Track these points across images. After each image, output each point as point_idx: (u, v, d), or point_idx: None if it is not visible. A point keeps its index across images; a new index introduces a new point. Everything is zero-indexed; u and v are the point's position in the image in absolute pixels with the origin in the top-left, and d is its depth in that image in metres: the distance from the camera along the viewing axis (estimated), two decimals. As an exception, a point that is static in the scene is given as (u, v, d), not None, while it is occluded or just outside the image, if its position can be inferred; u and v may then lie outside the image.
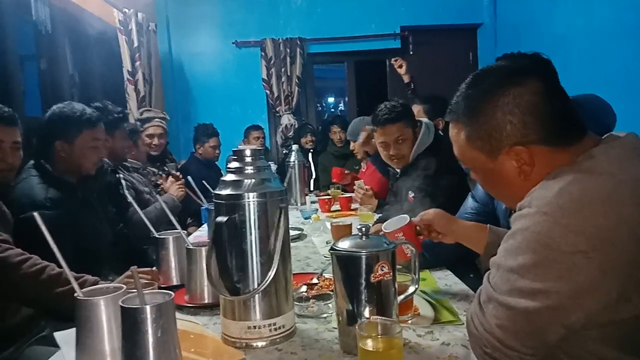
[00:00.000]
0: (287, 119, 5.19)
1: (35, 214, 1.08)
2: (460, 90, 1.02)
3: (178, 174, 3.18)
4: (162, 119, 3.63)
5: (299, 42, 5.15)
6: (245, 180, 1.14)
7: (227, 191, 1.13)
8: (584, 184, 0.84)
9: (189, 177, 2.44)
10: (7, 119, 1.72)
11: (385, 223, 1.46)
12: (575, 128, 0.94)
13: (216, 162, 4.26)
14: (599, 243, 0.78)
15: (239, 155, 1.17)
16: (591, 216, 0.80)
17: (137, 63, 4.05)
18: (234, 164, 1.17)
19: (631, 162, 0.87)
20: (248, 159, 1.16)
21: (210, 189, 2.87)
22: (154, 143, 3.53)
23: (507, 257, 0.86)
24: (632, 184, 0.82)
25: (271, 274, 1.10)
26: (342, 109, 9.85)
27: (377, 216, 2.61)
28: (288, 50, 5.14)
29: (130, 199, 2.71)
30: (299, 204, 3.29)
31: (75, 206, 2.02)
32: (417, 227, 1.41)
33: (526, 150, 0.93)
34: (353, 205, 3.11)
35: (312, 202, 3.31)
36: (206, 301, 1.41)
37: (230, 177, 1.16)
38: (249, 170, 1.15)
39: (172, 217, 1.82)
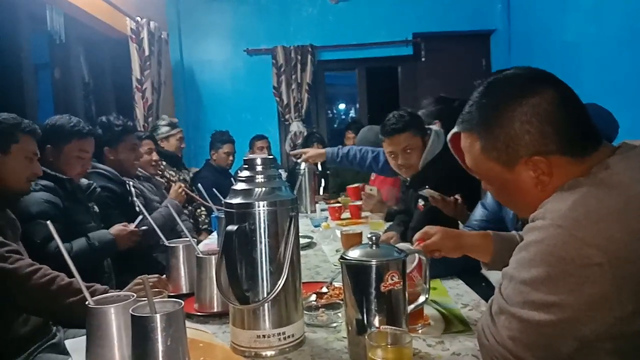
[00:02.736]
0: (296, 126, 5.21)
1: (49, 222, 1.09)
2: (472, 100, 1.00)
3: (179, 184, 3.26)
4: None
5: (309, 50, 5.16)
6: (256, 189, 1.14)
7: (237, 200, 1.13)
8: (599, 196, 0.83)
9: (199, 185, 2.45)
10: (33, 131, 1.81)
11: None
12: (592, 137, 0.93)
13: (229, 171, 4.31)
14: (613, 256, 0.77)
15: (249, 164, 1.18)
16: (606, 229, 0.79)
17: (147, 72, 4.08)
18: (245, 173, 1.17)
19: None
20: (259, 168, 1.17)
21: (221, 196, 2.93)
22: (182, 146, 3.84)
23: (520, 270, 0.85)
24: None
25: (281, 282, 1.10)
26: (353, 115, 9.85)
27: (387, 224, 2.60)
28: (299, 58, 5.16)
29: (139, 205, 2.75)
30: (308, 212, 3.29)
31: (73, 205, 2.14)
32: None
33: (545, 161, 0.91)
34: (363, 214, 3.10)
35: (322, 210, 3.30)
36: (215, 310, 1.40)
37: (240, 185, 1.16)
38: (260, 179, 1.16)
39: (180, 222, 1.85)
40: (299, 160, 3.10)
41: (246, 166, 1.18)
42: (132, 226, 2.28)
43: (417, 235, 1.31)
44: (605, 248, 0.77)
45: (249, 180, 1.16)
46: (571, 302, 0.78)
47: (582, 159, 0.91)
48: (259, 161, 1.17)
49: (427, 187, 2.04)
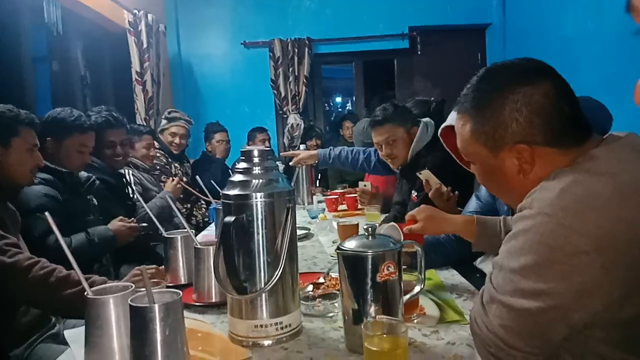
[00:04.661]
0: (293, 119, 5.21)
1: (47, 214, 1.10)
2: (471, 83, 1.03)
3: (178, 178, 3.32)
4: (187, 122, 3.83)
5: (307, 43, 5.15)
6: (253, 181, 1.15)
7: (235, 191, 1.14)
8: (586, 184, 0.84)
9: (197, 177, 2.47)
10: (31, 122, 1.80)
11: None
12: (582, 130, 0.95)
13: (226, 162, 4.33)
14: (601, 244, 0.78)
15: (246, 156, 1.19)
16: (593, 217, 0.80)
17: (146, 64, 4.07)
18: (242, 165, 1.18)
19: (632, 162, 0.87)
20: (256, 160, 1.18)
21: (219, 188, 2.96)
22: (175, 142, 3.74)
23: (510, 258, 0.86)
24: (633, 184, 0.83)
25: (278, 273, 1.11)
26: (350, 108, 9.86)
27: (383, 216, 2.62)
28: (296, 51, 5.15)
29: (136, 193, 2.78)
30: (306, 204, 3.31)
31: (72, 198, 2.14)
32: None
33: (528, 149, 0.93)
34: (360, 205, 3.11)
35: (319, 202, 3.32)
36: (213, 300, 1.42)
37: (238, 177, 1.17)
38: (257, 170, 1.17)
39: (177, 212, 1.86)
40: (290, 163, 3.12)
41: (243, 158, 1.20)
42: (132, 221, 2.29)
43: (407, 216, 1.41)
44: (594, 236, 0.79)
45: (246, 171, 1.17)
46: (560, 289, 0.80)
47: (569, 150, 0.93)
48: (256, 153, 1.18)
49: (427, 168, 2.05)
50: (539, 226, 0.83)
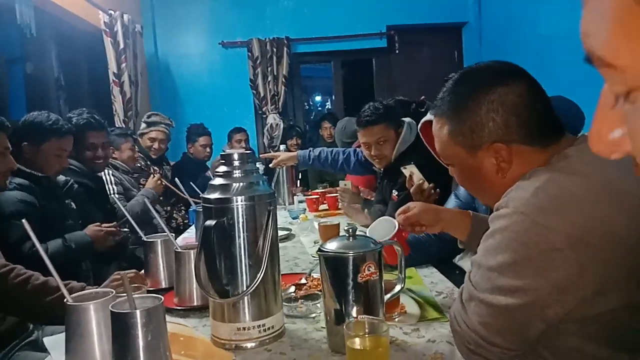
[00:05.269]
0: (272, 119, 5.20)
1: (24, 221, 1.08)
2: (447, 87, 1.05)
3: (159, 175, 3.33)
4: (167, 125, 3.77)
5: (285, 42, 5.15)
6: (234, 184, 1.15)
7: (215, 195, 1.14)
8: (560, 183, 0.86)
9: (177, 180, 2.45)
10: (3, 125, 1.76)
11: (369, 228, 1.45)
12: (554, 129, 0.98)
13: (207, 163, 4.31)
14: (575, 241, 0.80)
15: (227, 160, 1.19)
16: (567, 215, 0.82)
17: (123, 65, 4.02)
18: (222, 168, 1.18)
19: (603, 162, 0.89)
20: (236, 163, 1.18)
21: (198, 190, 2.94)
22: (154, 146, 3.69)
23: (487, 256, 0.88)
24: (605, 184, 0.85)
25: (260, 275, 1.12)
26: (329, 107, 9.89)
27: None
28: (275, 50, 5.14)
29: (115, 195, 2.75)
30: (287, 204, 3.31)
31: (50, 203, 2.10)
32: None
33: (506, 148, 0.96)
34: (340, 205, 3.12)
35: (300, 202, 3.32)
36: (195, 303, 1.41)
37: (218, 181, 1.17)
38: (237, 174, 1.17)
39: (155, 214, 1.85)
40: (270, 165, 3.11)
41: (223, 161, 1.20)
42: (110, 225, 2.26)
43: (399, 210, 1.36)
44: (567, 233, 0.81)
45: (227, 175, 1.17)
46: (536, 286, 0.82)
47: (543, 149, 0.95)
48: (236, 156, 1.18)
49: (412, 162, 2.05)
50: (514, 225, 0.85)
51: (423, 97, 2.74)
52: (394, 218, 1.39)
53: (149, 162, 3.65)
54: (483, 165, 1.00)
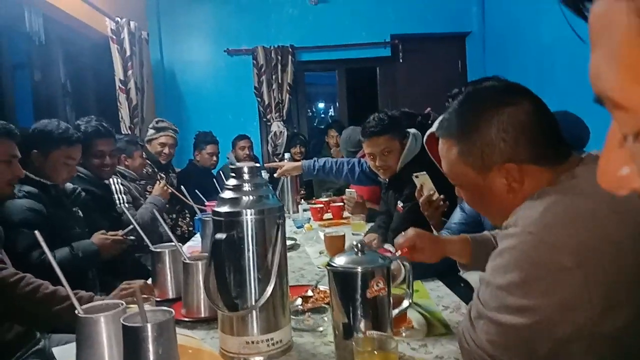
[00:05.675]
0: (276, 126, 5.22)
1: (37, 233, 1.09)
2: (452, 107, 1.06)
3: (164, 182, 3.33)
4: (174, 131, 3.82)
5: (290, 50, 5.17)
6: (244, 197, 1.16)
7: (225, 208, 1.15)
8: (567, 203, 0.87)
9: (182, 188, 2.47)
10: (9, 132, 1.76)
11: None
12: (561, 148, 0.99)
13: (212, 170, 4.32)
14: (582, 259, 0.81)
15: (237, 173, 1.20)
16: (575, 234, 0.83)
17: (130, 72, 4.04)
18: (232, 182, 1.19)
19: None
20: (246, 176, 1.19)
21: (203, 197, 2.96)
22: (164, 151, 3.74)
23: (496, 275, 0.89)
24: (612, 203, 0.86)
25: (269, 289, 1.13)
26: (332, 114, 9.91)
27: (368, 225, 2.65)
28: (279, 58, 5.16)
29: (123, 204, 2.76)
30: (291, 212, 3.32)
31: (57, 211, 2.11)
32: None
33: (517, 168, 0.97)
34: (345, 214, 3.14)
35: (305, 210, 3.33)
36: (203, 315, 1.42)
37: (228, 194, 1.18)
38: (247, 187, 1.18)
39: (163, 222, 1.87)
40: (275, 175, 3.12)
41: (233, 175, 1.21)
42: (119, 233, 2.27)
43: (401, 241, 1.32)
44: (575, 252, 0.82)
45: (237, 188, 1.18)
46: (544, 305, 0.83)
47: (552, 168, 0.96)
48: (246, 169, 1.19)
49: (424, 172, 2.01)
50: (523, 244, 0.86)
51: (429, 108, 2.75)
52: (399, 227, 1.40)
53: (155, 169, 3.67)
54: (494, 186, 1.00)
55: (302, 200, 3.78)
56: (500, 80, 1.04)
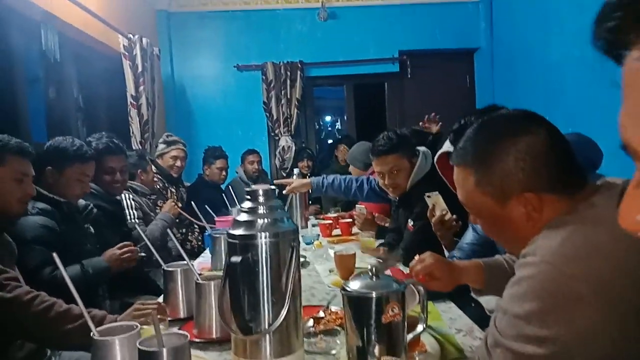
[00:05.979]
0: (284, 141, 5.25)
1: (55, 255, 1.11)
2: (467, 136, 1.06)
3: (172, 199, 3.39)
4: (184, 145, 3.87)
5: (299, 66, 5.22)
6: (259, 220, 1.16)
7: (240, 231, 1.16)
8: (587, 234, 0.87)
9: (192, 203, 2.48)
10: (23, 150, 1.78)
11: None
12: (578, 176, 0.99)
13: (222, 185, 4.35)
14: (600, 289, 0.81)
15: (252, 195, 1.20)
16: (594, 265, 0.83)
17: (141, 87, 4.08)
18: (247, 204, 1.20)
19: None
20: (261, 199, 1.19)
21: (212, 212, 2.97)
22: (176, 165, 3.78)
23: (513, 304, 0.89)
24: (629, 233, 0.86)
25: (283, 313, 1.13)
26: (339, 127, 9.95)
27: (377, 242, 2.64)
28: (288, 74, 5.21)
29: (134, 219, 2.78)
30: (300, 228, 3.31)
31: (69, 228, 2.12)
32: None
33: (536, 197, 0.96)
34: (354, 230, 3.14)
35: (314, 226, 3.34)
36: (214, 336, 1.42)
37: (243, 216, 1.18)
38: (262, 210, 1.18)
39: (174, 238, 1.88)
40: (283, 192, 3.13)
41: (249, 197, 1.21)
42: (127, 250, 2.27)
43: (417, 268, 1.34)
44: (594, 283, 0.82)
45: (252, 211, 1.19)
46: (563, 335, 0.82)
47: (569, 197, 0.96)
48: (261, 192, 1.20)
49: (436, 192, 2.01)
50: (541, 274, 0.86)
51: (433, 113, 2.73)
52: (409, 246, 1.39)
53: (166, 184, 3.69)
54: (512, 215, 1.00)
55: (312, 214, 3.79)
56: (516, 110, 1.04)
